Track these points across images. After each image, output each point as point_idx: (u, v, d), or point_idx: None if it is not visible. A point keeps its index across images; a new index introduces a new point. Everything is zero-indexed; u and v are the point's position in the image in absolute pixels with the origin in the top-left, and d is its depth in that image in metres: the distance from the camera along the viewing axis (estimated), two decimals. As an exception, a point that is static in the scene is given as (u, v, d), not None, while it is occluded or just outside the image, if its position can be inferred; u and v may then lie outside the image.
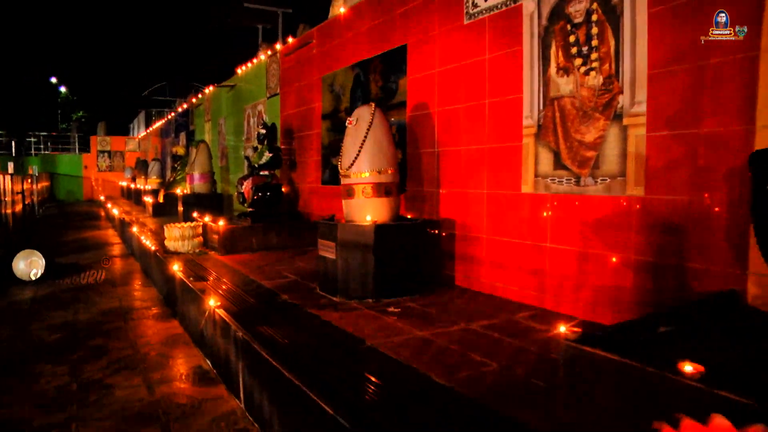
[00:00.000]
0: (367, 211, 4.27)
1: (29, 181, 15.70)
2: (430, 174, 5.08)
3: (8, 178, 9.88)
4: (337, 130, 6.67)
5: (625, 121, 3.48)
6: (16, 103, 37.05)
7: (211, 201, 9.83)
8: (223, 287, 4.68)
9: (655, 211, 3.32)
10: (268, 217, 7.07)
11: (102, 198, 21.62)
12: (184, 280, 4.79)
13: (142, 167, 17.15)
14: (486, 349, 3.10)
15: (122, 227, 11.35)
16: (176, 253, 6.65)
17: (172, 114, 17.35)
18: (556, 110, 3.94)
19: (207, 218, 7.27)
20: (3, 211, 9.17)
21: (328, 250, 4.28)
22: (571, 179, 3.84)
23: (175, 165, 12.83)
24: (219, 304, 3.78)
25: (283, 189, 7.51)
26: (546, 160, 4.02)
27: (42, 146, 29.24)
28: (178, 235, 6.76)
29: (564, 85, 3.88)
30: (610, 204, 3.57)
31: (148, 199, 12.88)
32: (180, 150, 12.98)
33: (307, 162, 7.53)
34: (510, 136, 4.27)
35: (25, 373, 3.87)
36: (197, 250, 6.88)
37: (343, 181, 4.42)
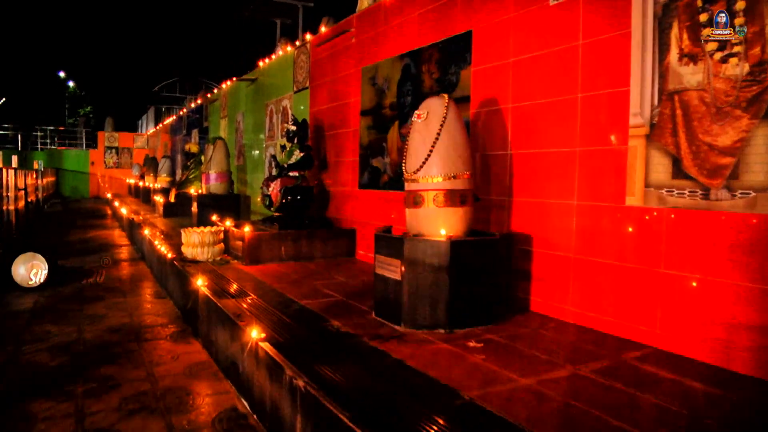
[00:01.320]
0: (438, 222, 3.55)
1: (34, 176, 15.02)
2: (499, 180, 4.36)
3: (11, 172, 9.18)
4: (379, 128, 5.96)
5: (781, 120, 2.76)
6: (24, 96, 36.50)
7: (228, 202, 9.12)
8: (257, 307, 3.96)
9: (826, 234, 2.60)
10: (297, 223, 6.35)
11: (108, 195, 20.95)
12: (213, 300, 4.06)
13: (151, 164, 16.44)
14: (618, 408, 2.38)
15: (131, 228, 10.65)
16: (194, 262, 5.93)
17: (184, 110, 16.67)
18: (677, 106, 3.21)
19: (228, 223, 6.56)
20: (4, 207, 8.47)
21: (389, 269, 3.55)
22: (696, 191, 3.11)
23: (188, 163, 12.09)
24: (263, 336, 3.04)
25: (314, 192, 6.79)
26: (661, 166, 3.29)
27: (48, 141, 28.61)
28: (197, 242, 6.04)
29: (689, 75, 3.15)
30: (755, 223, 2.84)
31: (159, 199, 12.17)
32: (193, 147, 12.25)
33: (340, 163, 6.81)
34: (611, 138, 3.55)
35: (18, 414, 3.12)
36: (218, 258, 6.16)
37: (409, 186, 3.70)
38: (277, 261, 5.96)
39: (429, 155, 3.52)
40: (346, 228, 6.55)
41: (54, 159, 25.64)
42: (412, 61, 5.42)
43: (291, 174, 6.59)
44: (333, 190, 7.01)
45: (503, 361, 2.96)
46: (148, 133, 26.49)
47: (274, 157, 6.99)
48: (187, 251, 6.08)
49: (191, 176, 11.51)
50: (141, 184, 17.50)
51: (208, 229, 6.22)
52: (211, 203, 8.94)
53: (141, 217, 10.88)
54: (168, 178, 14.20)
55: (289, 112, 8.27)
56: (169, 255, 6.14)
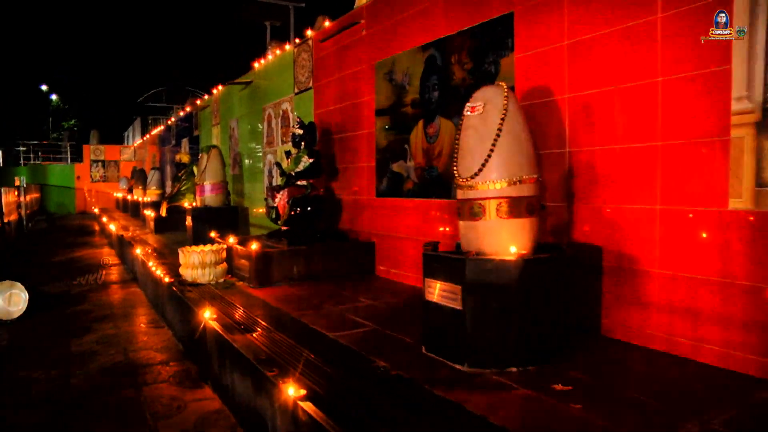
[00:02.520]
0: (502, 237, 2.91)
1: (15, 193, 14.22)
2: (555, 183, 3.74)
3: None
4: (399, 128, 5.32)
5: None
6: (5, 111, 35.44)
7: (225, 216, 8.43)
8: (279, 344, 3.30)
9: None
10: (307, 238, 5.68)
11: (96, 210, 20.09)
12: (227, 339, 3.38)
13: (139, 177, 15.66)
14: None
15: (121, 245, 9.91)
16: (195, 285, 5.25)
17: (173, 119, 15.93)
18: (801, 86, 2.61)
19: (232, 239, 5.88)
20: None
21: (446, 296, 2.90)
22: (829, 190, 2.50)
23: (179, 174, 11.35)
24: (303, 393, 2.38)
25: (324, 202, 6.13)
26: (778, 161, 2.69)
27: (32, 156, 27.67)
28: (197, 262, 5.36)
29: (817, 46, 2.55)
30: None
31: (149, 213, 11.43)
32: (185, 157, 11.51)
33: (353, 169, 6.16)
34: (706, 129, 2.94)
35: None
36: (221, 280, 5.48)
37: (463, 194, 3.05)
38: (289, 282, 5.29)
39: (489, 156, 2.88)
40: (362, 241, 5.89)
41: (38, 174, 24.70)
42: (438, 52, 4.79)
43: (299, 183, 5.92)
44: (345, 199, 6.35)
45: (607, 411, 2.33)
46: (135, 145, 25.64)
47: (278, 164, 6.32)
48: (186, 273, 5.40)
49: (183, 188, 10.79)
50: (129, 197, 16.70)
51: (209, 247, 5.54)
52: (207, 217, 8.25)
53: (131, 234, 10.15)
54: (158, 191, 13.46)
55: (291, 115, 7.62)
56: (166, 279, 5.44)
